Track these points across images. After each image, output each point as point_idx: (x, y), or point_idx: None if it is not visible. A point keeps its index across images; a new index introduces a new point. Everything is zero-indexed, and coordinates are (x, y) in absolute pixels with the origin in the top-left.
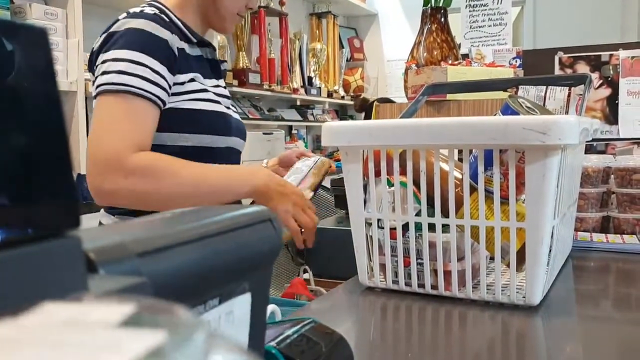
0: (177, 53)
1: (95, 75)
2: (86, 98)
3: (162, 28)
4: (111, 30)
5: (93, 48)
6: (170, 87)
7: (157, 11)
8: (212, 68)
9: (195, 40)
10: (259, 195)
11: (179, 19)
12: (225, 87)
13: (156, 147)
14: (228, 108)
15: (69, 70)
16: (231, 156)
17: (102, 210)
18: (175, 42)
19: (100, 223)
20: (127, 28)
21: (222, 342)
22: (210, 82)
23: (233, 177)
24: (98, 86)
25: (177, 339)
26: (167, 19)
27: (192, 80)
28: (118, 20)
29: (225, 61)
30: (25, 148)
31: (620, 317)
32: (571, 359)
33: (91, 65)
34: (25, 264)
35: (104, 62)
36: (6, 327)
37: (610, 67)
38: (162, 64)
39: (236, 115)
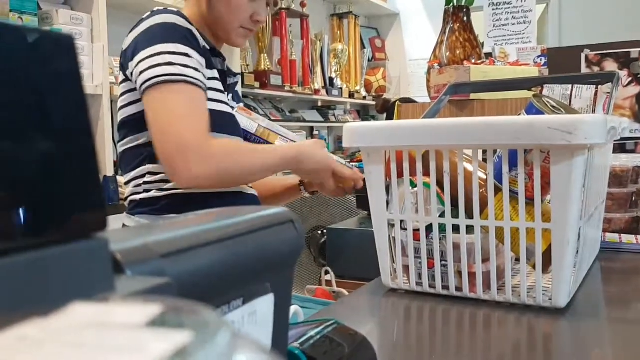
0: (203, 47)
1: (139, 70)
2: (111, 101)
3: (188, 23)
4: (142, 27)
5: (123, 47)
6: (206, 74)
7: (177, 11)
8: (222, 81)
9: (209, 48)
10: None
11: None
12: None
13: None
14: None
15: (94, 74)
16: None
17: (124, 213)
18: (200, 38)
19: (123, 225)
20: (158, 23)
21: (246, 343)
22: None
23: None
24: (150, 79)
25: (201, 339)
26: (187, 21)
27: (213, 78)
28: (143, 20)
29: (239, 74)
30: (53, 153)
31: None
32: None
33: (124, 64)
34: (54, 265)
35: (149, 57)
36: (33, 327)
37: None
38: (199, 54)
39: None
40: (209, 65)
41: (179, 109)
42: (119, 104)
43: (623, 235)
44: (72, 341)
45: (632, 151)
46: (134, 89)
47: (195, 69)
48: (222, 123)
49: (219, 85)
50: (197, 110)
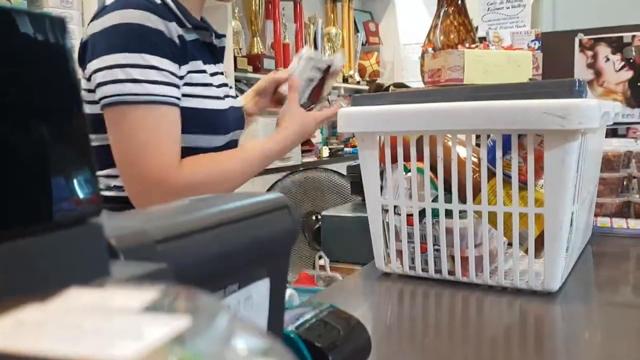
0: (177, 42)
1: (97, 81)
2: None
3: (158, 17)
4: (103, 23)
5: (82, 38)
6: (179, 82)
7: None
8: (210, 52)
9: (189, 25)
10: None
11: (173, 0)
12: (223, 73)
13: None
14: (227, 96)
15: None
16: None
17: None
18: (173, 29)
19: None
20: (122, 24)
21: (244, 326)
22: (210, 69)
23: (275, 152)
24: (111, 96)
25: (199, 323)
26: (161, 2)
27: (190, 72)
28: (106, 9)
29: (224, 35)
30: (46, 137)
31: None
32: (590, 346)
33: (82, 60)
34: (49, 251)
35: (108, 67)
36: (32, 312)
37: (633, 49)
38: (170, 60)
39: (236, 103)
40: (188, 58)
41: (143, 137)
42: (85, 98)
43: (614, 219)
44: (71, 325)
45: (624, 136)
46: (92, 91)
47: (165, 83)
48: (204, 122)
49: (203, 78)
50: (164, 136)
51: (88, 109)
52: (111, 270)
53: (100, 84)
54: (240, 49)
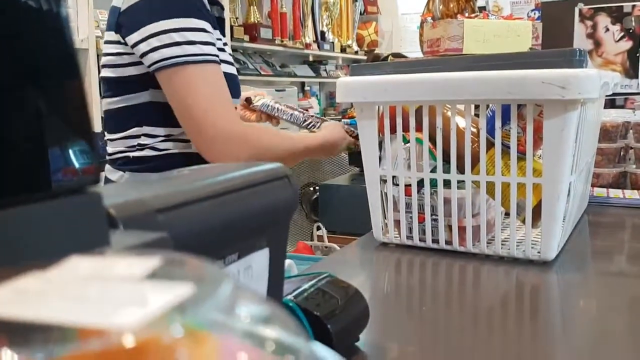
0: (207, 13)
1: (152, 46)
2: (98, 55)
3: None
4: None
5: (121, 7)
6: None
7: None
8: (219, 24)
9: None
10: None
11: None
12: (225, 44)
13: (155, 105)
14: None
15: (80, 27)
16: None
17: (107, 165)
18: None
19: (106, 178)
20: None
21: (247, 295)
22: (220, 42)
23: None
24: (169, 58)
25: (203, 291)
26: None
27: (218, 39)
28: None
29: (222, 7)
30: (45, 107)
31: (634, 272)
32: (584, 314)
33: (119, 27)
34: (48, 220)
35: (162, 32)
36: (33, 280)
37: (633, 19)
38: (210, 24)
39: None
40: (215, 27)
41: (208, 94)
42: (104, 62)
43: (610, 189)
44: (73, 294)
45: (622, 107)
46: (129, 54)
47: (213, 44)
48: (231, 88)
49: (220, 44)
50: (225, 93)
51: (111, 73)
52: (111, 240)
53: (156, 48)
54: (237, 18)
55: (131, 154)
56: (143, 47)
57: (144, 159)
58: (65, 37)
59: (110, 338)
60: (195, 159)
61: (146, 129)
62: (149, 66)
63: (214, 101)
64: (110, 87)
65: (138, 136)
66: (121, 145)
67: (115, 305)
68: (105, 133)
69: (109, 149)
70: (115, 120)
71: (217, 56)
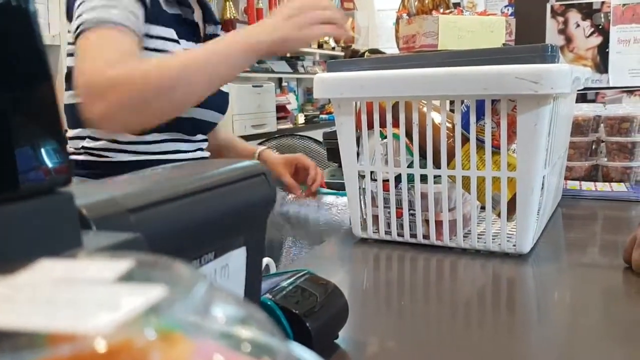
0: (148, 2)
1: (73, 22)
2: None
3: None
4: None
5: None
6: (142, 28)
7: None
8: (193, 31)
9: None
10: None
11: None
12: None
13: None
14: None
15: (51, 23)
16: (195, 129)
17: None
18: None
19: None
20: None
21: (222, 295)
22: (186, 45)
23: (230, 41)
24: (75, 30)
25: (177, 293)
26: None
27: (161, 38)
28: None
29: (220, 23)
30: (13, 106)
31: (606, 263)
32: (559, 305)
33: (69, 13)
34: (18, 221)
35: (79, 5)
36: (1, 284)
37: (602, 15)
38: (137, 2)
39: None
40: (158, 22)
41: (85, 52)
42: (67, 51)
43: (583, 182)
44: (43, 298)
45: (593, 101)
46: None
47: (123, 10)
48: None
49: (173, 47)
50: (105, 46)
51: (71, 62)
52: (83, 241)
53: (74, 23)
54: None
55: (78, 158)
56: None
57: (90, 164)
58: (34, 33)
59: (82, 343)
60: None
61: (89, 131)
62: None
63: (84, 58)
64: (68, 78)
65: (83, 138)
66: (70, 145)
67: (87, 309)
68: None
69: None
70: (68, 116)
71: (122, 23)
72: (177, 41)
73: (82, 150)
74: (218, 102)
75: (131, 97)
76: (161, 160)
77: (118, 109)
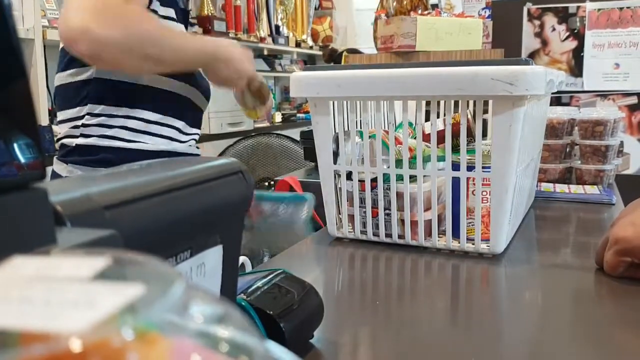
0: None
1: None
2: (44, 46)
3: None
4: None
5: None
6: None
7: None
8: (183, 16)
9: None
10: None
11: None
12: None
13: (99, 81)
14: None
15: (25, 16)
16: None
17: (55, 157)
18: None
19: (53, 172)
20: None
21: (199, 294)
22: (178, 26)
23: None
24: None
25: (154, 291)
26: None
27: (167, 18)
28: None
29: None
30: None
31: (578, 264)
32: (530, 304)
33: None
34: None
35: None
36: None
37: (578, 19)
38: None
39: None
40: (164, 2)
41: (74, 7)
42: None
43: (557, 184)
44: (16, 297)
45: (567, 104)
46: None
47: None
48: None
49: (174, 26)
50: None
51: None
52: (57, 238)
53: None
54: (190, 10)
55: (74, 142)
56: None
57: (89, 150)
58: (8, 27)
59: (57, 343)
60: (147, 157)
61: (89, 107)
62: None
63: (72, 9)
64: (64, 58)
65: (82, 117)
66: (67, 127)
67: (62, 308)
68: (53, 127)
69: (57, 132)
70: (63, 97)
71: None
72: (175, 20)
73: (79, 132)
74: (205, 84)
75: (138, 40)
76: (153, 151)
77: (119, 39)
